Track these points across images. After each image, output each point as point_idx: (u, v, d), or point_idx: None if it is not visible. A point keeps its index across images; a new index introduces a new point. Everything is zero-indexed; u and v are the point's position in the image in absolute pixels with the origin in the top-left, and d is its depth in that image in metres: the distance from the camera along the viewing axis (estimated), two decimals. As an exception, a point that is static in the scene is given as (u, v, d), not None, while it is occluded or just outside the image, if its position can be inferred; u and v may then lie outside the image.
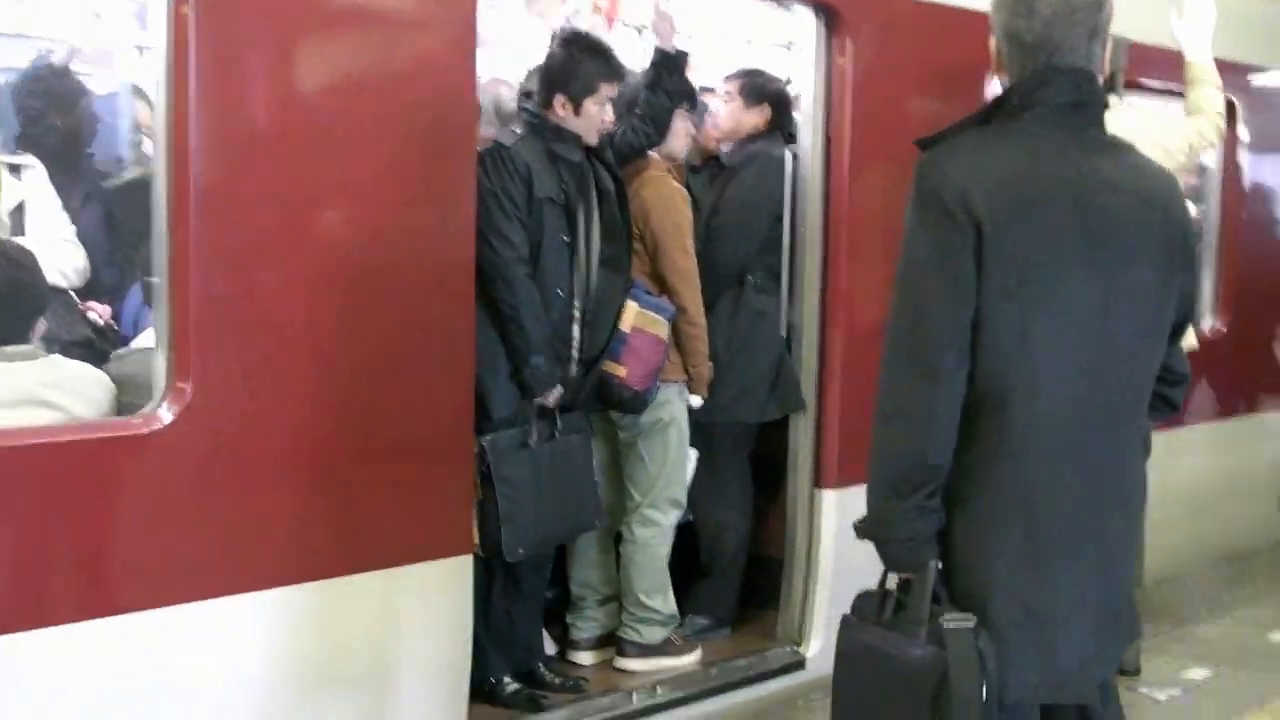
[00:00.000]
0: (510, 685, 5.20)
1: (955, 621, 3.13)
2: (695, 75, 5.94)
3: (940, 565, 3.20)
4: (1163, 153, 4.86)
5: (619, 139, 5.54)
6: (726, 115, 6.16)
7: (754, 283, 5.91)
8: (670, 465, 5.65)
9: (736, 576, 6.12)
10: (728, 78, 6.25)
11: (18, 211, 4.85)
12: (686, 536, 5.93)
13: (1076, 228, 3.13)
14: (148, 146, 5.56)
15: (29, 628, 3.67)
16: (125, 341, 4.90)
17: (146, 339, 4.35)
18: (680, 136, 5.84)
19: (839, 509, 5.75)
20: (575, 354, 5.20)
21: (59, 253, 4.82)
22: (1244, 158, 7.98)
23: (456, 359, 4.53)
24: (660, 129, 5.60)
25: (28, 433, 3.80)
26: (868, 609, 3.33)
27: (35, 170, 4.96)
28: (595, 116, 5.24)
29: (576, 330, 5.20)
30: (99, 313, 4.99)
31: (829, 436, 5.80)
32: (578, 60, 5.21)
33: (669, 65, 5.50)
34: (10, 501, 3.64)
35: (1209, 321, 7.74)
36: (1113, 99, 3.97)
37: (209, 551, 3.98)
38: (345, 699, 4.34)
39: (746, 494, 6.12)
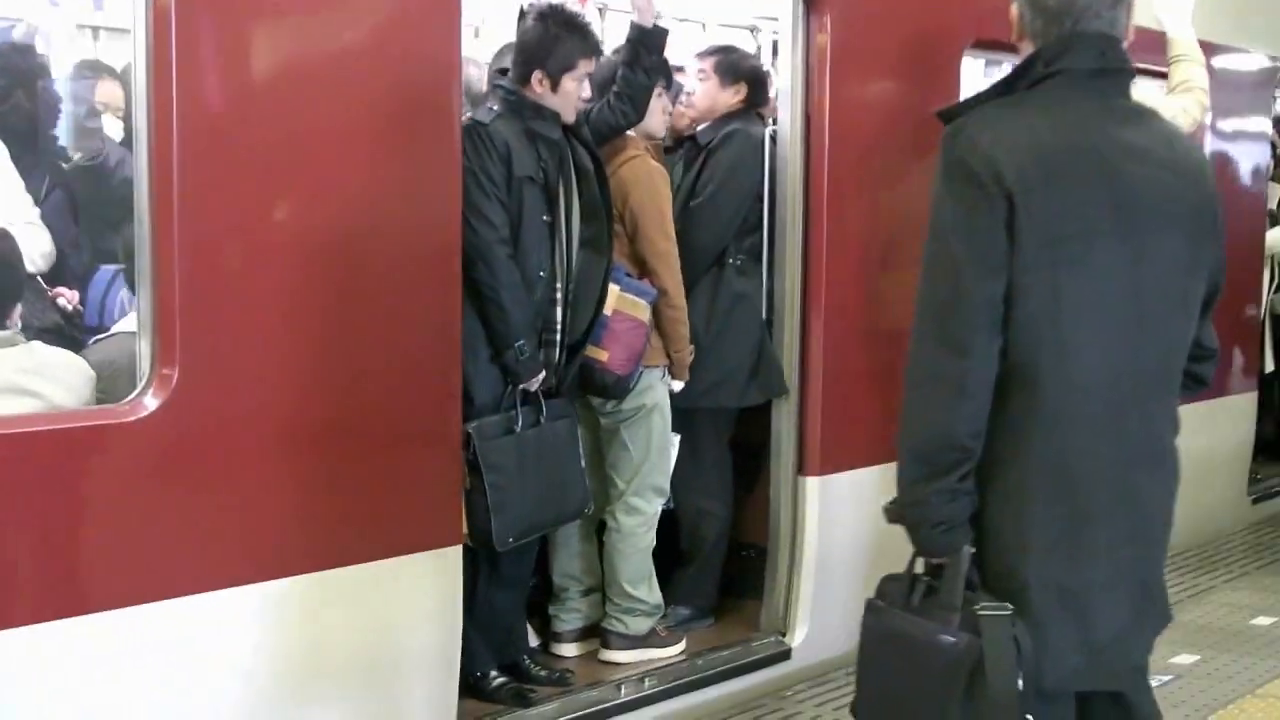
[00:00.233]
0: (496, 679, 5.07)
1: (991, 609, 3.04)
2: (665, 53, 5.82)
3: (974, 549, 3.11)
4: None
5: (595, 118, 5.41)
6: (702, 94, 6.03)
7: (734, 265, 5.80)
8: (654, 452, 5.53)
9: (718, 565, 6.01)
10: (701, 55, 6.12)
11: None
12: (666, 524, 5.81)
13: (1106, 197, 3.07)
14: (113, 127, 5.38)
15: (4, 627, 3.50)
16: (91, 329, 4.74)
17: (128, 323, 4.18)
18: (658, 115, 5.71)
19: (823, 496, 5.66)
20: (558, 337, 5.06)
21: (24, 236, 4.63)
22: (1206, 137, 7.97)
23: (446, 345, 4.40)
24: (639, 108, 5.46)
25: (6, 422, 3.63)
26: (895, 594, 3.23)
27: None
28: (573, 93, 5.10)
29: (559, 312, 5.06)
30: (67, 298, 4.81)
31: (811, 422, 5.68)
32: (555, 36, 5.06)
33: (648, 42, 5.35)
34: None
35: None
36: None
37: (195, 545, 3.83)
38: (337, 693, 4.21)
39: (727, 481, 6.01)
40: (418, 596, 4.38)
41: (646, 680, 5.29)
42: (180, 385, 3.73)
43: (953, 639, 3.06)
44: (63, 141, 5.29)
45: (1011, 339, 3.02)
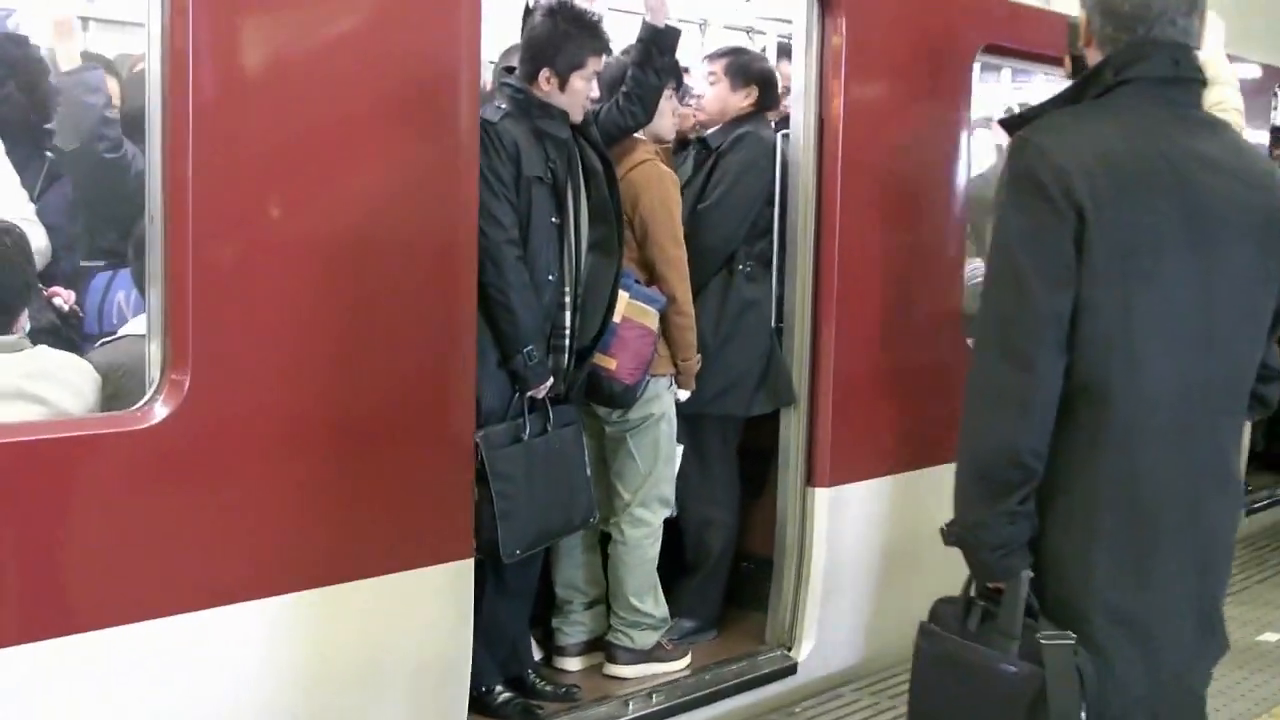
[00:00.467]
0: (502, 694, 4.92)
1: (1054, 638, 2.92)
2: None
3: (1032, 574, 2.98)
4: None
5: (603, 118, 5.27)
6: (713, 97, 5.89)
7: (744, 271, 5.67)
8: (661, 462, 5.40)
9: (724, 576, 5.89)
10: (711, 57, 6.00)
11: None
12: (670, 533, 5.67)
13: (1178, 208, 2.96)
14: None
15: (13, 643, 3.34)
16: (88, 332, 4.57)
17: (136, 325, 4.01)
18: (667, 117, 5.59)
19: (832, 508, 5.53)
20: (567, 343, 4.92)
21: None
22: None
23: (461, 353, 4.25)
24: (648, 109, 5.32)
25: (9, 430, 3.46)
26: (949, 618, 3.11)
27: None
28: (581, 92, 4.97)
29: (568, 317, 4.91)
30: (64, 299, 4.64)
31: (821, 432, 5.55)
32: (564, 33, 4.93)
33: (660, 43, 5.22)
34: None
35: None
36: None
37: (205, 559, 3.67)
38: (348, 709, 4.07)
39: (734, 490, 5.88)
40: (430, 611, 4.23)
41: (654, 696, 5.16)
42: (192, 391, 3.57)
43: (1014, 669, 2.95)
44: (69, 134, 5.07)
45: (1079, 356, 2.91)
